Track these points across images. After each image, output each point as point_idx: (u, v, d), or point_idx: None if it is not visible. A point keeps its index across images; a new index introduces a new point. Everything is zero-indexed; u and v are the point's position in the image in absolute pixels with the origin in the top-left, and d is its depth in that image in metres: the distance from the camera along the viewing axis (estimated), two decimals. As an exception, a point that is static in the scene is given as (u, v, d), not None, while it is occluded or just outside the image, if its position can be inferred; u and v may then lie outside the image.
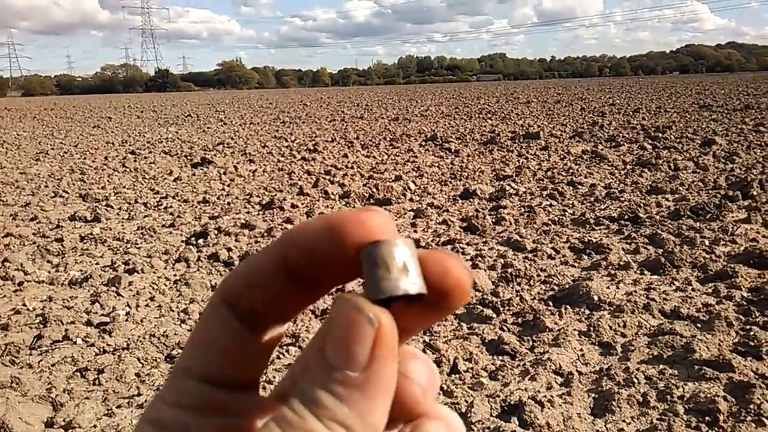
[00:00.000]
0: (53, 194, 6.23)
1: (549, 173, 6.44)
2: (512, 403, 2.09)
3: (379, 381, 0.22)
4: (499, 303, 2.95)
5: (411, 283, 0.23)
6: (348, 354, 0.22)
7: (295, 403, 0.22)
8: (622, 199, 5.15)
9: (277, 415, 0.22)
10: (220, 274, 3.59)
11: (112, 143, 11.19)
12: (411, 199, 5.53)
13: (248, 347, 0.26)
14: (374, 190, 5.76)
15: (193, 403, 0.25)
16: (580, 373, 2.32)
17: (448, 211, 5.01)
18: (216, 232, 4.42)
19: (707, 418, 1.96)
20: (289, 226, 4.87)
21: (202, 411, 0.25)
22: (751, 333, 2.50)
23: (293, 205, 5.28)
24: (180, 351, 2.61)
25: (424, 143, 9.44)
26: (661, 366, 2.32)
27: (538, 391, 2.18)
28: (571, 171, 6.52)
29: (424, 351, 2.46)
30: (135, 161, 8.54)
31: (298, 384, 0.22)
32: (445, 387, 2.22)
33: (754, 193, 4.97)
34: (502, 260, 3.58)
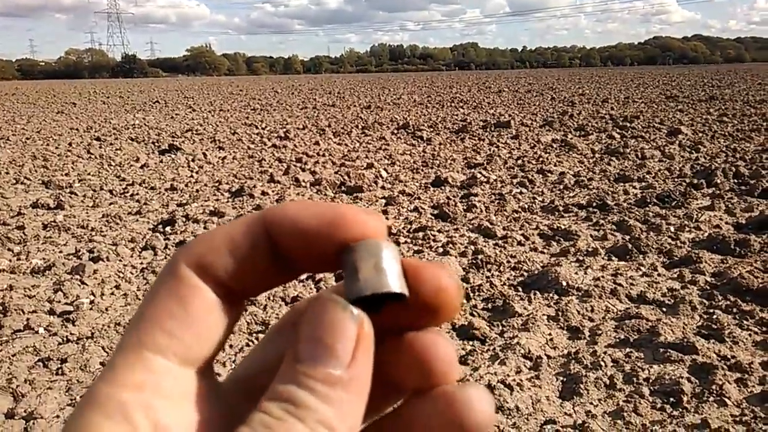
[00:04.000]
0: (14, 181, 6.04)
1: (519, 161, 6.49)
2: (482, 387, 2.10)
3: (361, 379, 0.21)
4: (469, 289, 2.97)
5: (392, 283, 0.22)
6: (331, 351, 0.21)
7: (272, 406, 0.20)
8: (590, 186, 5.22)
9: (252, 418, 0.20)
10: (189, 262, 3.53)
11: (77, 129, 10.89)
12: (383, 187, 5.51)
13: (226, 325, 0.24)
14: (346, 177, 5.73)
15: (163, 387, 0.22)
16: (548, 357, 2.34)
17: (419, 198, 5.02)
18: (184, 219, 4.34)
19: (671, 399, 2.01)
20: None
21: (172, 394, 0.22)
22: (714, 316, 2.56)
23: (263, 193, 5.21)
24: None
25: (396, 131, 9.43)
26: (628, 349, 2.36)
27: (508, 375, 2.20)
28: (541, 159, 6.59)
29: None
30: (100, 148, 8.32)
31: (271, 385, 0.21)
32: (416, 372, 2.22)
33: (718, 181, 5.09)
34: (472, 247, 3.60)
